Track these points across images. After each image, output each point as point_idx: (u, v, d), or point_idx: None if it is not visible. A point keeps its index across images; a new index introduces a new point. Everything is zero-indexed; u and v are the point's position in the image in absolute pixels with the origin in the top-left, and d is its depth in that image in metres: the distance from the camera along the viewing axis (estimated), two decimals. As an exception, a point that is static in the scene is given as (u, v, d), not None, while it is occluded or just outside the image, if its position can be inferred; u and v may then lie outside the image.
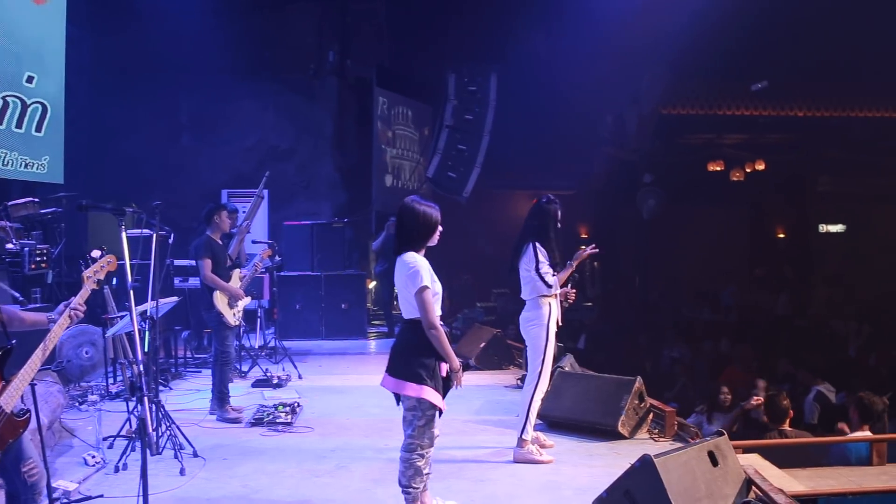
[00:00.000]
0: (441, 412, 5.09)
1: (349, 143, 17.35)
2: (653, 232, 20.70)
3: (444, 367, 5.04)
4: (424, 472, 5.15)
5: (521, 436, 6.72)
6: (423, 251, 5.16)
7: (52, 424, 6.94)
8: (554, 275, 6.68)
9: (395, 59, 17.48)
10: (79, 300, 4.64)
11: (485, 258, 18.83)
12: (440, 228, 5.19)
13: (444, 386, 5.07)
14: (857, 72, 18.55)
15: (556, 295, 6.77)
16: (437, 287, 5.06)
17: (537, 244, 6.70)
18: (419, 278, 4.94)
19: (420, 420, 5.01)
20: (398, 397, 5.11)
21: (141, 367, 4.94)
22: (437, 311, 5.04)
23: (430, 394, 4.94)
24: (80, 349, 9.47)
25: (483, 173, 16.20)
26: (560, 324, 6.92)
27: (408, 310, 5.07)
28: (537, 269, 6.61)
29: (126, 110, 15.03)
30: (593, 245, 7.04)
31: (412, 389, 4.94)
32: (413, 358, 5.00)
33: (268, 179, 10.32)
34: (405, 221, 5.12)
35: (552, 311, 6.74)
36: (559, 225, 6.88)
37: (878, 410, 8.08)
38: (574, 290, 6.96)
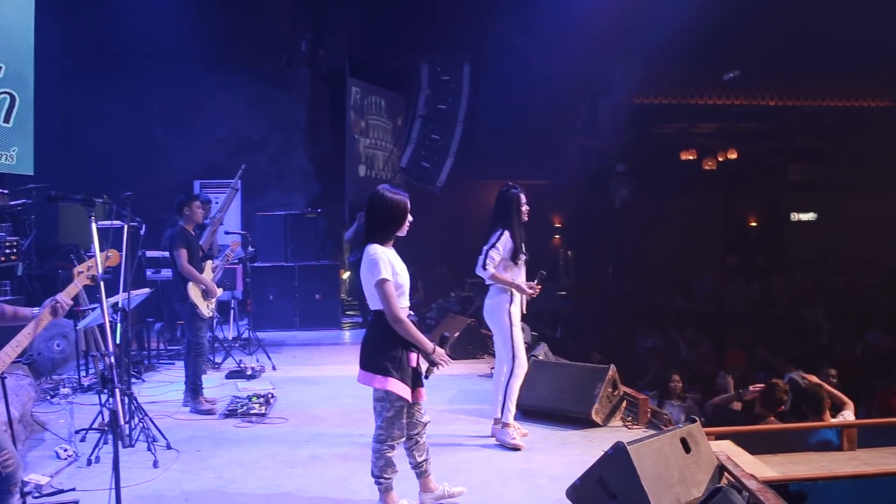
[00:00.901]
0: (411, 402, 5.09)
1: (322, 133, 17.29)
2: (626, 221, 20.77)
3: (414, 358, 5.04)
4: (420, 458, 5.24)
5: (503, 419, 6.79)
6: (390, 242, 5.13)
7: (24, 418, 6.88)
8: (498, 266, 6.74)
9: (368, 49, 17.42)
10: (65, 295, 4.61)
11: (459, 248, 18.78)
12: (409, 218, 5.15)
13: (415, 376, 5.08)
14: (827, 61, 18.68)
15: (511, 290, 6.81)
16: (401, 279, 5.03)
17: (506, 233, 6.75)
18: (377, 270, 4.91)
19: (388, 411, 5.02)
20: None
21: (112, 359, 4.89)
22: (402, 302, 5.02)
23: (395, 385, 4.95)
24: (51, 342, 9.40)
25: (456, 163, 16.20)
26: (525, 311, 6.98)
27: (373, 301, 5.06)
28: (490, 248, 6.71)
29: (97, 101, 14.87)
30: (538, 283, 7.00)
31: (378, 381, 4.96)
32: (378, 350, 5.01)
33: (244, 173, 10.27)
34: (373, 210, 5.10)
35: (514, 297, 6.81)
36: (524, 208, 6.92)
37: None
38: (539, 287, 6.98)
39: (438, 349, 5.07)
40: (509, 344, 6.79)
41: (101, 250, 5.09)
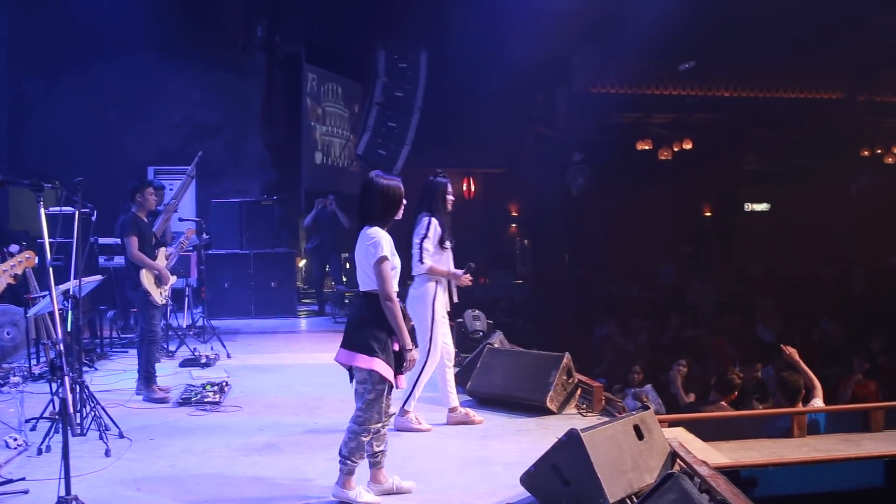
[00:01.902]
0: (392, 387, 5.11)
1: (278, 120, 17.18)
2: (582, 210, 20.84)
3: (398, 343, 5.08)
4: (378, 448, 5.23)
5: (403, 406, 6.83)
6: (387, 227, 5.22)
7: (-28, 407, 6.78)
8: (433, 253, 6.78)
9: (325, 35, 17.32)
10: None
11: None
12: (405, 202, 5.28)
13: (398, 361, 5.09)
14: (782, 53, 18.87)
15: (439, 280, 6.86)
16: (396, 261, 5.11)
17: (434, 219, 6.80)
18: (379, 248, 5.01)
19: (370, 394, 5.03)
20: (351, 373, 5.11)
21: (61, 347, 4.83)
22: (394, 285, 5.08)
23: (380, 366, 4.97)
24: (1, 330, 9.26)
25: (413, 151, 16.13)
26: (456, 300, 7.09)
27: (365, 282, 5.12)
28: (422, 242, 6.73)
29: (49, 86, 14.68)
30: (468, 273, 7.04)
31: (363, 361, 4.97)
32: (366, 329, 5.04)
33: (201, 160, 10.18)
34: (370, 197, 5.15)
35: (439, 289, 6.86)
36: (450, 198, 7.00)
37: (798, 388, 8.32)
38: (469, 277, 7.01)
39: (414, 352, 5.13)
40: (428, 336, 6.79)
41: (50, 237, 5.02)
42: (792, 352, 8.68)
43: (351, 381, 5.14)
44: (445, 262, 6.89)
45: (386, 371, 5.00)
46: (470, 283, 7.06)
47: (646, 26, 15.81)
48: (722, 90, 20.10)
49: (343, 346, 5.10)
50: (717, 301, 18.24)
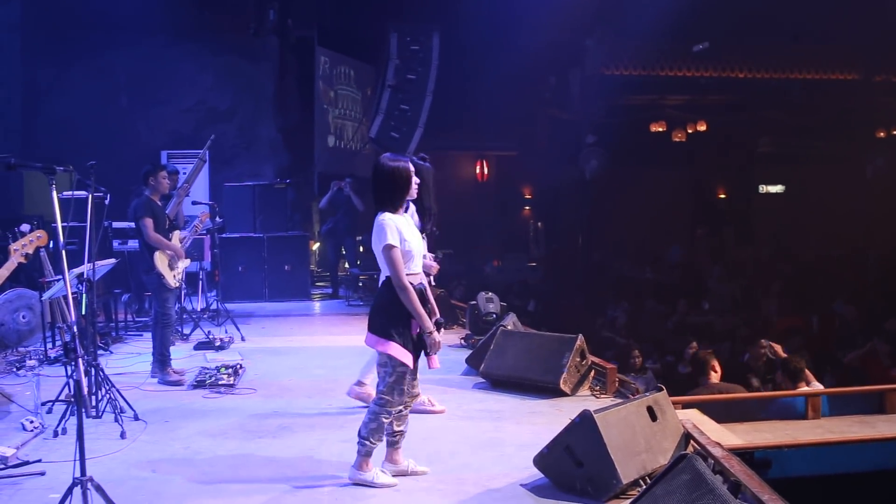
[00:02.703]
0: (413, 370, 5.12)
1: (291, 103, 17.17)
2: (595, 193, 20.82)
3: (416, 326, 5.08)
4: (398, 428, 5.24)
5: (360, 378, 6.92)
6: (401, 209, 5.23)
7: (-12, 389, 6.83)
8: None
9: (337, 18, 17.25)
10: (3, 271, 4.55)
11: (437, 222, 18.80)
12: (416, 181, 5.28)
13: (418, 345, 5.10)
14: (797, 34, 18.75)
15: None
16: (408, 245, 5.09)
17: (410, 204, 6.77)
18: (384, 236, 5.01)
19: (390, 377, 5.06)
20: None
21: (75, 329, 4.85)
22: (412, 268, 5.12)
23: (396, 350, 4.99)
24: (16, 314, 9.31)
25: (426, 134, 16.10)
26: (433, 283, 6.99)
27: (382, 267, 5.15)
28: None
29: (62, 71, 14.71)
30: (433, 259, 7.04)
31: (380, 345, 5.03)
32: (383, 314, 5.08)
33: (213, 144, 10.19)
34: (377, 181, 5.17)
35: None
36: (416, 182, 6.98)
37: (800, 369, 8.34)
38: (436, 267, 7.01)
39: (435, 334, 5.09)
40: None
41: (63, 221, 5.03)
42: (777, 348, 8.75)
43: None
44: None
45: (403, 355, 5.01)
46: (436, 270, 7.03)
47: (659, 7, 15.72)
48: (736, 71, 20.01)
49: (368, 329, 5.14)
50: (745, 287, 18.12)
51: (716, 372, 8.58)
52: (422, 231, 6.80)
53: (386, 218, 5.08)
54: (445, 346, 9.78)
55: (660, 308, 15.88)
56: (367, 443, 5.12)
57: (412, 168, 5.25)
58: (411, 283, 5.04)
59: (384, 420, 5.11)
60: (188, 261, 8.54)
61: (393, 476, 5.25)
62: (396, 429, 5.27)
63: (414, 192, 5.31)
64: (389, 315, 5.05)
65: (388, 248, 5.00)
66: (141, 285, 10.41)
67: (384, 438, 5.24)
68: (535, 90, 20.52)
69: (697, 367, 8.74)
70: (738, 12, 17.57)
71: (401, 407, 5.17)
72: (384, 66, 16.13)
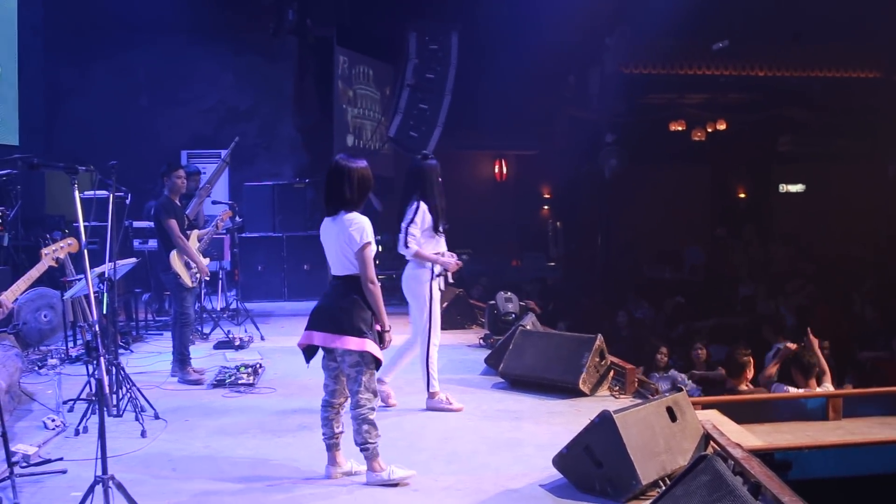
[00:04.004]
0: (380, 363, 5.21)
1: (310, 103, 17.19)
2: (615, 191, 20.74)
3: (378, 323, 5.20)
4: (338, 430, 5.31)
5: (428, 389, 6.91)
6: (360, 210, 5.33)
7: (11, 388, 6.88)
8: (421, 238, 6.77)
9: (356, 17, 17.25)
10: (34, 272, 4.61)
11: (447, 218, 18.80)
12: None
13: (380, 340, 5.20)
14: (818, 31, 18.61)
15: (432, 264, 6.84)
16: (373, 245, 5.22)
17: (423, 204, 6.77)
18: (364, 235, 5.13)
19: (364, 374, 5.11)
20: (307, 356, 5.28)
21: (96, 328, 4.89)
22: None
23: (371, 346, 5.07)
24: (38, 313, 9.38)
25: (445, 133, 16.12)
26: (451, 280, 7.11)
27: (344, 266, 5.22)
28: (408, 225, 6.72)
29: (83, 71, 14.79)
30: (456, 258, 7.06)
31: (354, 343, 5.05)
32: (353, 312, 5.12)
33: (236, 146, 10.24)
34: (346, 182, 5.26)
35: (435, 270, 6.85)
36: (439, 180, 6.96)
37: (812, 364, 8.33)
38: (458, 263, 7.01)
39: (388, 334, 5.24)
40: (426, 316, 6.83)
41: (85, 221, 5.07)
42: (814, 340, 8.70)
43: (308, 364, 5.35)
44: (435, 246, 6.88)
45: (376, 350, 5.10)
46: (458, 267, 7.03)
47: (678, 5, 15.65)
48: (756, 69, 19.86)
49: (321, 329, 5.16)
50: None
51: (749, 375, 8.52)
52: (438, 230, 6.81)
53: (359, 217, 5.23)
54: (465, 346, 9.89)
55: (682, 308, 15.79)
56: (369, 445, 5.17)
57: (369, 169, 5.37)
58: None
59: (371, 417, 5.14)
60: (207, 260, 8.58)
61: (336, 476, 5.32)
62: (336, 431, 5.32)
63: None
64: (359, 312, 5.12)
65: (366, 246, 5.13)
66: (161, 284, 10.48)
67: (330, 441, 5.33)
68: (554, 89, 20.43)
69: (732, 368, 8.66)
70: (758, 10, 17.46)
71: (377, 400, 5.28)
72: (403, 65, 16.17)
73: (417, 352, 6.98)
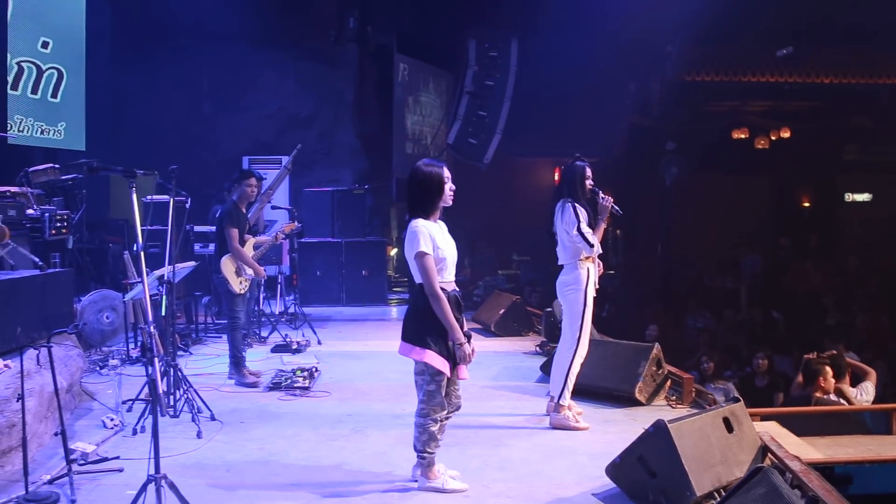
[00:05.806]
0: (449, 378, 5.10)
1: (370, 110, 17.30)
2: (675, 200, 20.53)
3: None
4: (440, 437, 5.18)
5: (558, 401, 6.68)
6: (434, 215, 5.14)
7: (72, 387, 7.00)
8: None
9: (416, 25, 17.33)
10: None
11: (505, 225, 18.78)
12: (451, 187, 5.14)
13: (452, 353, 5.06)
14: (884, 38, 18.23)
15: (593, 258, 6.67)
16: (442, 253, 5.03)
17: (575, 204, 6.62)
18: (417, 243, 4.95)
19: (429, 385, 5.04)
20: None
21: (152, 329, 4.96)
22: (445, 276, 5.04)
23: (432, 358, 4.96)
24: (100, 314, 9.54)
25: (504, 140, 16.09)
26: (598, 286, 6.80)
27: (414, 273, 5.09)
28: (579, 229, 6.52)
29: (147, 78, 15.03)
30: (612, 200, 6.84)
31: (416, 353, 4.98)
32: (419, 322, 5.03)
33: (298, 152, 10.32)
34: (411, 185, 5.13)
35: (590, 274, 6.63)
36: (590, 184, 6.77)
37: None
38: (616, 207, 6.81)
39: (466, 346, 5.01)
40: (578, 324, 6.62)
41: (145, 224, 5.15)
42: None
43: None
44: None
45: (440, 363, 4.97)
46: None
47: (741, 12, 15.46)
48: (821, 77, 19.50)
49: (402, 337, 5.09)
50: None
51: (825, 382, 8.37)
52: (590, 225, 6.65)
53: (419, 225, 5.02)
54: (521, 353, 9.84)
55: (738, 318, 15.59)
56: (426, 454, 5.14)
57: (447, 174, 5.14)
58: (444, 291, 5.00)
59: (433, 429, 5.08)
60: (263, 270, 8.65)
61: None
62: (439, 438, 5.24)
63: (448, 198, 5.15)
64: (425, 323, 5.00)
65: (421, 256, 4.94)
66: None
67: (452, 447, 5.22)
68: (615, 96, 20.27)
69: (808, 376, 8.53)
70: (823, 16, 17.17)
71: (444, 413, 5.14)
72: (462, 72, 16.18)
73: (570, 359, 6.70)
